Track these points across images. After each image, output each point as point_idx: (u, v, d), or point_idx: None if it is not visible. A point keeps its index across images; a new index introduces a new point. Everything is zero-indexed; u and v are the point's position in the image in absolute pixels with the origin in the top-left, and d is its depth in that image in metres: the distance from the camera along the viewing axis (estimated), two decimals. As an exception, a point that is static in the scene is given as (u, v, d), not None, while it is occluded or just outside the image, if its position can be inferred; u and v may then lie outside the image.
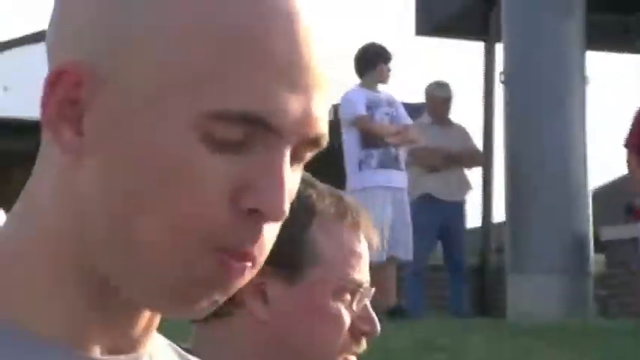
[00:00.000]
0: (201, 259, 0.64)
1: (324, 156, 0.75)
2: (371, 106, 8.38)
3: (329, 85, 0.67)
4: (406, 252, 8.38)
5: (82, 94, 0.64)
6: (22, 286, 0.67)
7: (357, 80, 8.60)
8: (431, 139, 9.01)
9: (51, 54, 0.68)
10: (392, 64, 8.78)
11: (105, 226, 0.65)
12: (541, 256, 9.32)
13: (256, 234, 0.65)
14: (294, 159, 0.66)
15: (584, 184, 9.82)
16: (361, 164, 8.31)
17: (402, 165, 8.51)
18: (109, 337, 0.69)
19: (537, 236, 9.34)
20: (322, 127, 0.67)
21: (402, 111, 8.67)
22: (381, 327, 1.50)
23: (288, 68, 0.63)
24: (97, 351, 0.69)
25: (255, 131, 0.63)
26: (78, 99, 0.65)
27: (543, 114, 9.46)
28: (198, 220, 0.63)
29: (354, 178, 8.32)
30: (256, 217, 0.64)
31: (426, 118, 9.65)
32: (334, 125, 7.33)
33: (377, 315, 1.52)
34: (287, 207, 0.65)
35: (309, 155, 0.69)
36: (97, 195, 0.65)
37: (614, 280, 10.88)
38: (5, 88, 13.63)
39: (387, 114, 8.47)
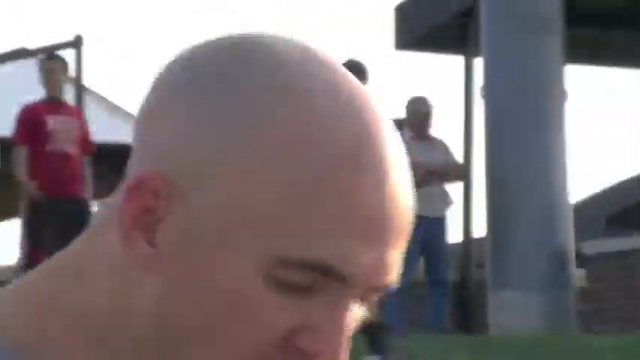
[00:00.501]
0: None
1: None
2: None
3: (405, 236, 0.64)
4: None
5: (159, 206, 0.62)
6: None
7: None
8: (411, 155, 8.98)
9: (133, 166, 0.66)
10: (371, 79, 8.75)
11: (152, 347, 0.64)
12: (522, 270, 9.31)
13: None
14: (359, 300, 0.63)
15: (565, 199, 9.81)
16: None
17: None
18: None
19: (518, 251, 9.34)
20: (392, 276, 0.64)
21: None
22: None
23: (370, 224, 0.59)
24: None
25: (323, 278, 0.59)
26: (154, 210, 0.62)
27: (523, 128, 9.46)
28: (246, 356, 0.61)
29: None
30: (303, 357, 0.61)
31: (406, 134, 9.59)
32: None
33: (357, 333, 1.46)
34: (344, 355, 0.62)
35: (374, 298, 0.66)
36: (150, 316, 0.63)
37: (596, 295, 10.86)
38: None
39: None
